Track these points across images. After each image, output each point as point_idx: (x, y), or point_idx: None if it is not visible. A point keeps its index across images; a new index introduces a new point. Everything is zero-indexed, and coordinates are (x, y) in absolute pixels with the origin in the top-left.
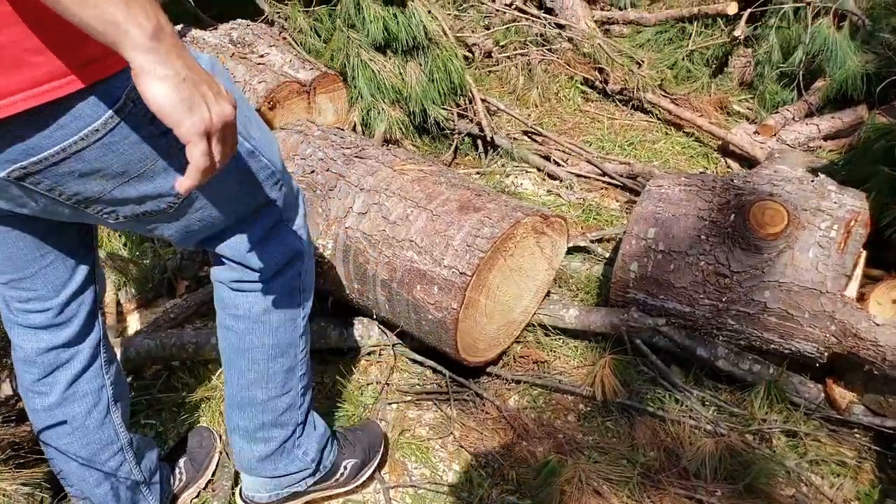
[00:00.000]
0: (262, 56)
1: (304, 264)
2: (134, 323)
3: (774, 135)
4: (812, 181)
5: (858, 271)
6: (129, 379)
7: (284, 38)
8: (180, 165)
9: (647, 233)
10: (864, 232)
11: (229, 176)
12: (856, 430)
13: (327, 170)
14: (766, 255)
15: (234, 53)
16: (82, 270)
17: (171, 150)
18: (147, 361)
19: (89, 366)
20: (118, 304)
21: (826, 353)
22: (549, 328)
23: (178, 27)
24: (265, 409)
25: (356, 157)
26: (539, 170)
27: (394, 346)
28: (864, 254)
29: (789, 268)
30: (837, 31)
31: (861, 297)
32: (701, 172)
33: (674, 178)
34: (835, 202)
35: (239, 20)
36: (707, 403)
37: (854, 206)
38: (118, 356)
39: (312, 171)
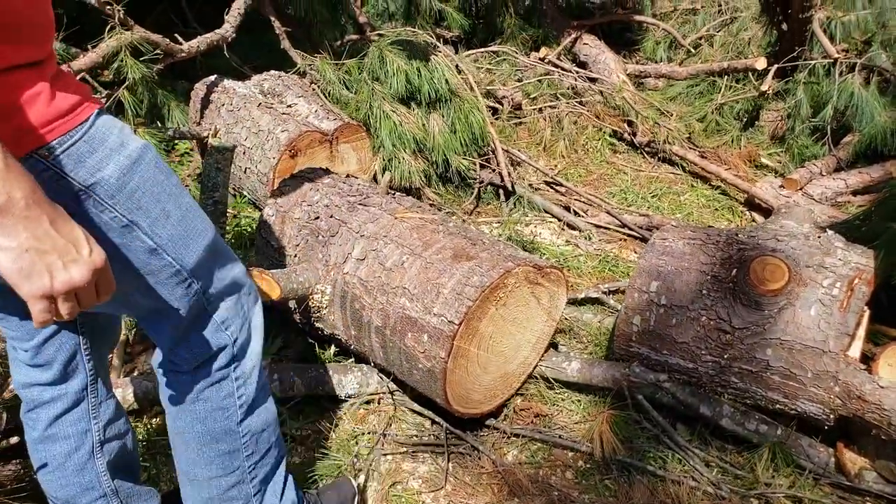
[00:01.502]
0: (289, 106)
1: (237, 356)
2: (142, 364)
3: (800, 188)
4: (819, 237)
5: (862, 331)
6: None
7: (314, 90)
8: None
9: (649, 286)
10: (867, 290)
11: (126, 272)
12: (867, 498)
13: (331, 216)
14: (766, 312)
15: (261, 103)
16: None
17: None
18: (146, 403)
19: (72, 408)
20: (127, 343)
21: (832, 416)
22: (552, 381)
23: (212, 78)
24: (210, 485)
25: (360, 204)
26: (559, 220)
27: (393, 394)
28: (867, 313)
29: (791, 325)
30: (865, 86)
31: (871, 358)
32: (709, 226)
33: (679, 232)
34: (840, 259)
35: (272, 71)
36: (711, 464)
37: (859, 264)
38: (120, 398)
39: (317, 218)
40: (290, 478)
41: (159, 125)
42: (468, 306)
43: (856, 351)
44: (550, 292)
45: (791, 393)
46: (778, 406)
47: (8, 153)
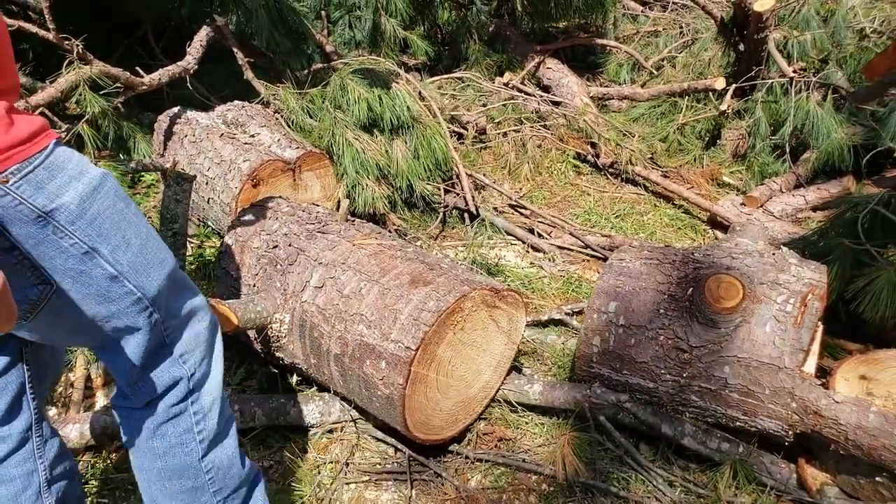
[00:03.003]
0: (252, 136)
1: (193, 389)
2: (102, 398)
3: (760, 206)
4: (773, 254)
5: (816, 346)
6: (88, 456)
7: (277, 119)
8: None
9: (608, 306)
10: (819, 305)
11: (86, 300)
12: None
13: (290, 244)
14: (723, 330)
15: (223, 133)
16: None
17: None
18: (105, 438)
19: (17, 450)
20: (87, 378)
21: (791, 432)
22: (515, 404)
23: (175, 109)
24: None
25: (319, 231)
26: (523, 242)
27: (356, 422)
28: (821, 328)
29: (747, 342)
30: (822, 104)
31: (829, 373)
32: (665, 245)
33: (636, 252)
34: (793, 275)
35: (236, 101)
36: (674, 484)
37: (812, 279)
38: (78, 433)
39: (276, 246)
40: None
41: (122, 157)
42: (425, 331)
43: (811, 366)
44: (509, 315)
45: (750, 410)
46: (738, 423)
47: None
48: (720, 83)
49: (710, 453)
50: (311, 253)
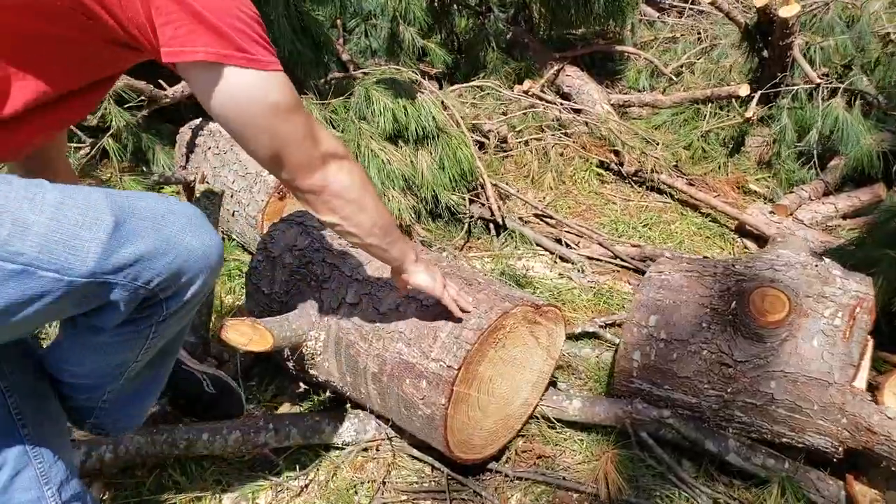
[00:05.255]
0: None
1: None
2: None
3: (790, 214)
4: (816, 265)
5: (866, 361)
6: (117, 478)
7: None
8: None
9: (648, 320)
10: (868, 319)
11: (11, 308)
12: None
13: (323, 260)
14: (769, 344)
15: None
16: None
17: None
18: (137, 459)
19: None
20: None
21: (840, 448)
22: (554, 420)
23: (197, 121)
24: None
25: (352, 247)
26: (550, 253)
27: (391, 440)
28: (871, 342)
29: (794, 357)
30: (849, 110)
31: (876, 387)
32: (704, 257)
33: (675, 264)
34: (839, 288)
35: None
36: (719, 501)
37: (859, 292)
38: (113, 454)
39: (309, 262)
40: None
41: (144, 170)
42: (467, 350)
43: (861, 381)
44: (549, 330)
45: (797, 426)
46: (784, 439)
47: None
48: (744, 90)
49: (755, 470)
50: (346, 269)
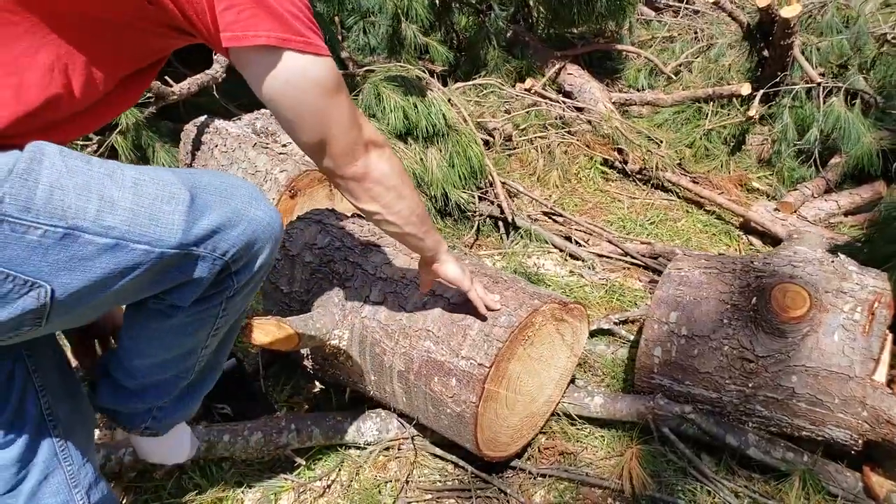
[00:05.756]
0: (284, 145)
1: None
2: None
3: (794, 211)
4: (832, 262)
5: (886, 355)
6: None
7: None
8: None
9: (668, 317)
10: (888, 314)
11: (101, 282)
12: None
13: (345, 258)
14: (790, 339)
15: (256, 143)
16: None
17: None
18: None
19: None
20: None
21: (860, 441)
22: (575, 417)
23: (202, 118)
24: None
25: (373, 245)
26: (560, 250)
27: (413, 439)
28: (890, 337)
29: (815, 352)
30: (849, 109)
31: (892, 381)
32: (720, 254)
33: (693, 261)
34: (857, 283)
35: (263, 110)
36: (741, 495)
37: (877, 287)
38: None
39: (331, 261)
40: None
41: None
42: (498, 348)
43: (881, 375)
44: (573, 328)
45: (818, 419)
46: (804, 433)
47: None
48: (746, 88)
49: (775, 463)
50: (369, 267)
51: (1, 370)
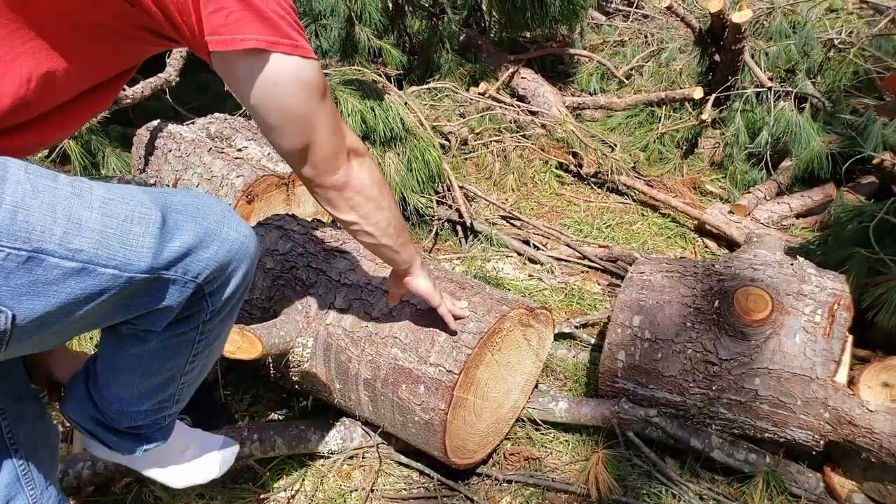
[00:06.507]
0: (239, 150)
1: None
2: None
3: (748, 214)
4: (791, 264)
5: (846, 356)
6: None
7: None
8: None
9: (632, 321)
10: (847, 315)
11: (65, 307)
12: None
13: (308, 265)
14: (753, 342)
15: (211, 148)
16: None
17: None
18: (116, 474)
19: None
20: None
21: (822, 442)
22: (540, 422)
23: (155, 122)
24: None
25: (337, 251)
26: (519, 254)
27: (378, 447)
28: (850, 338)
29: (777, 354)
30: (799, 113)
31: (851, 382)
32: (681, 257)
33: (654, 264)
34: (816, 286)
35: (217, 114)
36: (705, 497)
37: (835, 290)
38: (91, 471)
39: (293, 267)
40: None
41: (94, 173)
42: (467, 354)
43: (842, 377)
44: (539, 333)
45: (780, 421)
46: (767, 434)
47: None
48: (698, 93)
49: (739, 465)
50: (333, 273)
51: None
